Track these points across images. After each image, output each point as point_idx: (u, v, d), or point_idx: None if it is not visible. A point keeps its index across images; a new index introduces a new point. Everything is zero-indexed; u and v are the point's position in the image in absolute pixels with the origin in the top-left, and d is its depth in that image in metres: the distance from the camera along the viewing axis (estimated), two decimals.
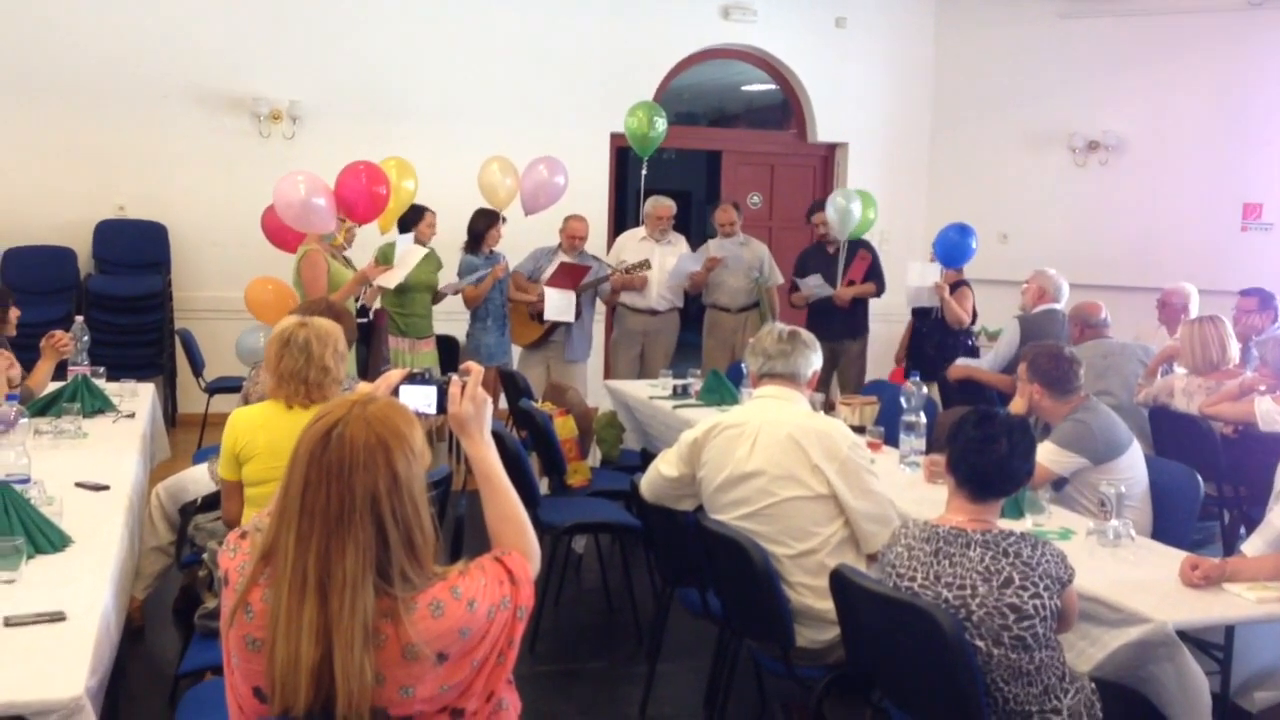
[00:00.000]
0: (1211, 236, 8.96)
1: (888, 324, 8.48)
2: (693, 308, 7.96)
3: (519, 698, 2.05)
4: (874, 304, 7.72)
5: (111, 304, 7.80)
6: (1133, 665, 2.84)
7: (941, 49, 9.97)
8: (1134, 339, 6.24)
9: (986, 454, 2.71)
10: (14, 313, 4.89)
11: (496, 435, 2.20)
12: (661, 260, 7.35)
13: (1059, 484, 3.96)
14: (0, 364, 4.56)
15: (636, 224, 7.97)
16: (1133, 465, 3.95)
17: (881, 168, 9.87)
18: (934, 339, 7.08)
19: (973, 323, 7.22)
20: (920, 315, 7.24)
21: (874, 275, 7.42)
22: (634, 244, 7.50)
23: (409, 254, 6.20)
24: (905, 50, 9.90)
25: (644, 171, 8.00)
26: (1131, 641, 2.81)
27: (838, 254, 7.39)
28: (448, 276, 6.94)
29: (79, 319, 5.46)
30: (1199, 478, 4.03)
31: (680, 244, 7.58)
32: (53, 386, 4.92)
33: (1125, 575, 3.09)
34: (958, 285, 7.05)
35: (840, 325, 7.02)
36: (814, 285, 7.24)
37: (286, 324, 3.49)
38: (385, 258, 6.25)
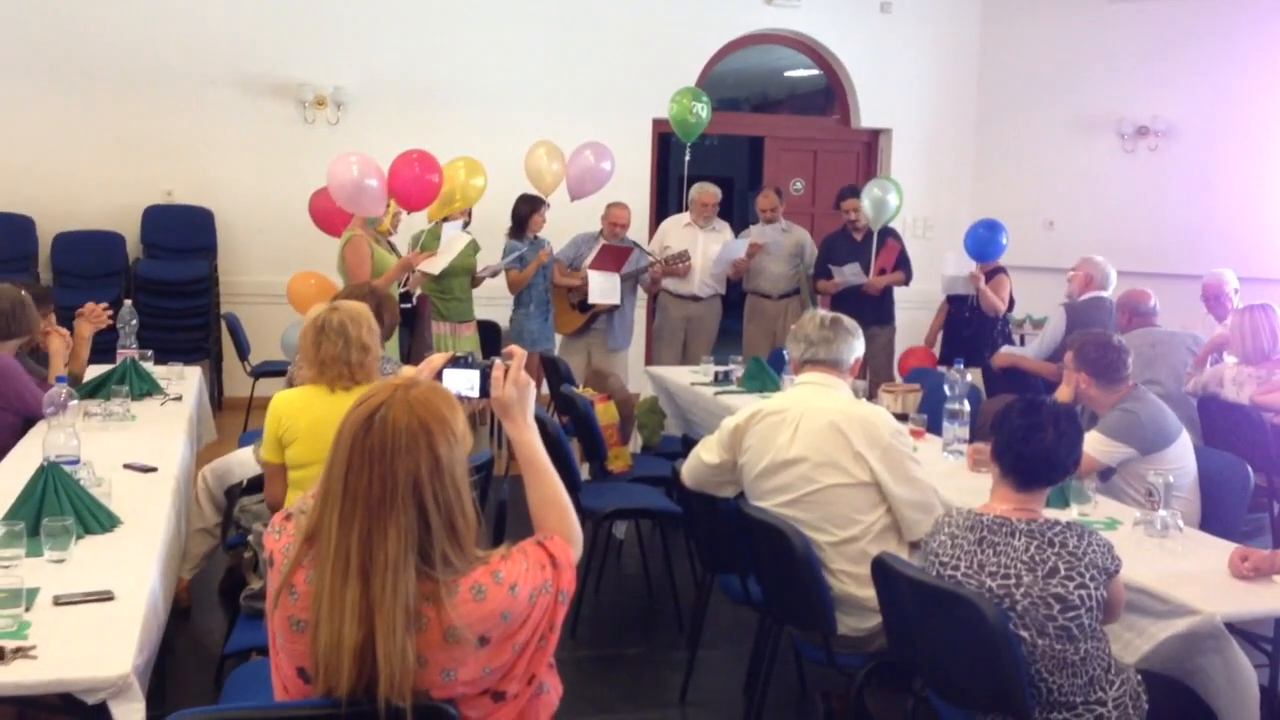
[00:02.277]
0: (1263, 224, 8.79)
1: (920, 310, 8.41)
2: (734, 294, 7.93)
3: (560, 681, 2.05)
4: (907, 291, 7.66)
5: (159, 288, 7.89)
6: (1180, 657, 2.80)
7: (987, 32, 9.84)
8: (1181, 328, 6.14)
9: (1033, 443, 2.68)
10: (49, 319, 4.76)
11: (538, 420, 2.20)
12: (705, 246, 7.33)
13: (1106, 474, 3.91)
14: (58, 343, 4.62)
15: (679, 210, 7.95)
16: (1181, 455, 3.89)
17: (925, 153, 9.79)
18: (970, 325, 7.02)
19: (1010, 310, 7.14)
20: (957, 303, 7.18)
21: (903, 263, 7.37)
22: (678, 230, 7.49)
23: (454, 241, 6.23)
24: (950, 34, 9.79)
25: (687, 157, 7.98)
26: (1179, 633, 2.77)
27: (865, 241, 7.34)
28: (489, 261, 6.96)
29: (127, 303, 5.53)
30: (1249, 468, 3.98)
31: (724, 230, 7.56)
32: (102, 369, 4.98)
33: (1173, 566, 3.05)
34: (995, 273, 6.98)
35: (868, 312, 6.83)
36: (850, 274, 7.20)
37: (317, 312, 3.51)
38: (425, 244, 6.27)
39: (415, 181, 6.03)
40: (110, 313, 5.05)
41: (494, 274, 6.84)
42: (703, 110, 7.69)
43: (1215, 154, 9.03)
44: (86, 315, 4.92)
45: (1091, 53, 9.38)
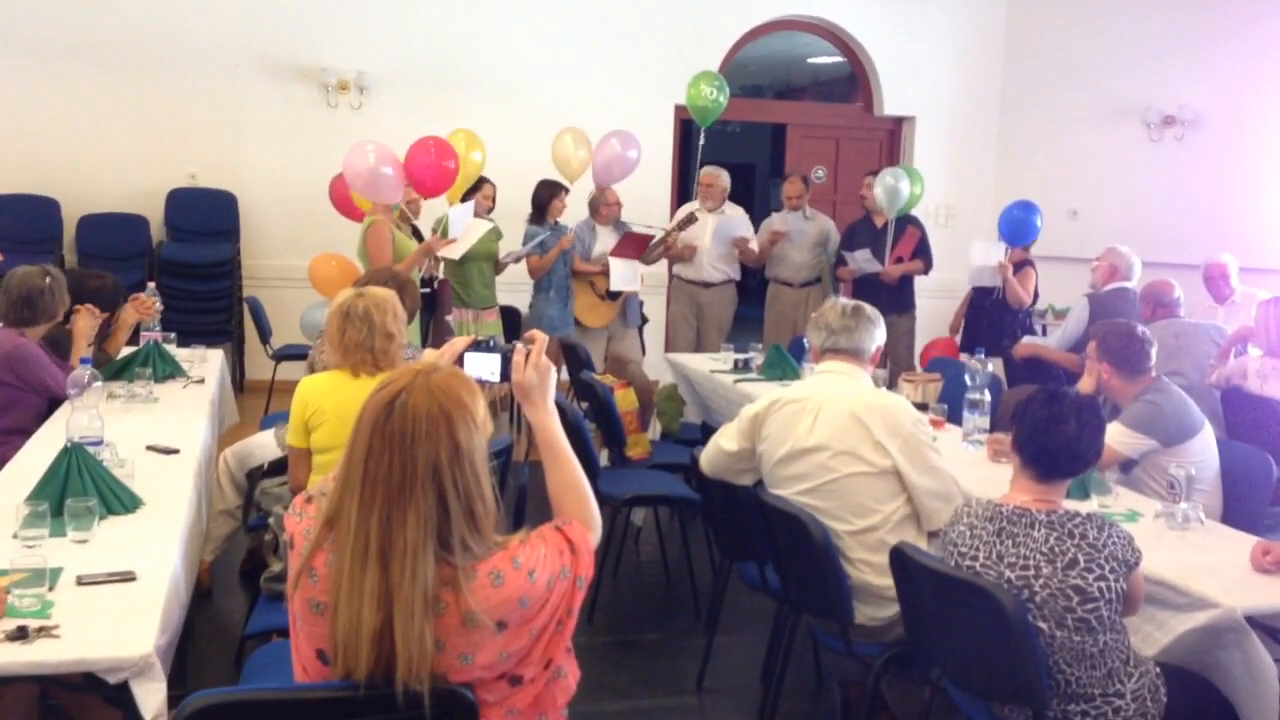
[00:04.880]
0: None
1: (942, 299, 8.37)
2: (756, 281, 7.90)
3: (577, 666, 2.06)
4: (930, 279, 7.62)
5: (182, 271, 7.93)
6: (1200, 651, 2.78)
7: (1013, 19, 9.76)
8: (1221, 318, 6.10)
9: (1054, 434, 2.67)
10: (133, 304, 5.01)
11: (558, 406, 2.20)
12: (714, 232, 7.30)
13: (1127, 465, 3.89)
14: (85, 324, 4.64)
15: None
16: (1204, 448, 3.86)
17: (949, 141, 9.73)
18: (991, 316, 6.97)
19: (1034, 303, 7.10)
20: (981, 292, 7.13)
21: (922, 252, 7.31)
22: None
23: (472, 227, 6.23)
24: (975, 21, 9.71)
25: (701, 142, 7.95)
26: (1199, 627, 2.76)
27: (886, 228, 7.30)
28: (511, 247, 6.96)
29: (151, 285, 5.56)
30: (1272, 461, 3.94)
31: (738, 215, 7.51)
32: (126, 351, 5.02)
33: (1194, 559, 3.03)
34: (1022, 265, 6.92)
35: (887, 301, 6.73)
36: (862, 260, 7.16)
37: (344, 297, 3.52)
38: (446, 230, 6.27)
39: (431, 169, 6.03)
40: (160, 308, 5.16)
41: (517, 259, 6.84)
42: (718, 94, 7.64)
43: (1243, 144, 8.94)
44: (138, 306, 4.99)
45: (1118, 40, 9.28)
